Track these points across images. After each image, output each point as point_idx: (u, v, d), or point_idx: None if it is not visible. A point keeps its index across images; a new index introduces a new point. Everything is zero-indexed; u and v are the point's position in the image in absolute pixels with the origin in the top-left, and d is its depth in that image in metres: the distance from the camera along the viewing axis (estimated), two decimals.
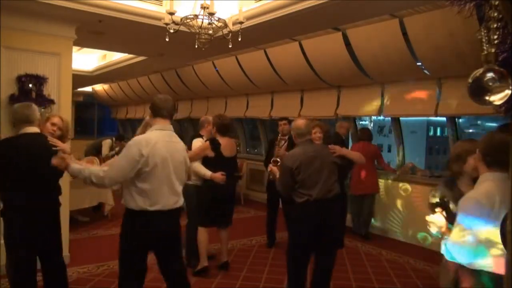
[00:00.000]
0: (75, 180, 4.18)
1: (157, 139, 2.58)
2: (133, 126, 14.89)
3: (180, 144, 2.76)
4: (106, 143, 8.93)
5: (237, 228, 4.68)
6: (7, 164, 2.76)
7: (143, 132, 2.80)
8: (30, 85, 4.65)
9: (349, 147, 6.24)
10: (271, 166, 3.77)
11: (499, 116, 3.53)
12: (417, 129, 28.10)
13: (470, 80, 1.31)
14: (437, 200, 2.27)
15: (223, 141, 4.21)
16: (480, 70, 1.29)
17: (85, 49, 8.38)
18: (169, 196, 2.59)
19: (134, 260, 2.64)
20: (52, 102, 4.80)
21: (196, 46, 4.26)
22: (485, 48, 1.33)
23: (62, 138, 3.14)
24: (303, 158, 3.21)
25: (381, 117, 6.63)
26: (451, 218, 2.07)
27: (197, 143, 4.40)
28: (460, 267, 1.94)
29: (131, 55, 7.88)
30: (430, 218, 2.16)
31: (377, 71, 5.75)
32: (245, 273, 4.37)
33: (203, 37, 4.12)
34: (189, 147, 4.23)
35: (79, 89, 12.87)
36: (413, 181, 5.81)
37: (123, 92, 12.62)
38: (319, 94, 7.13)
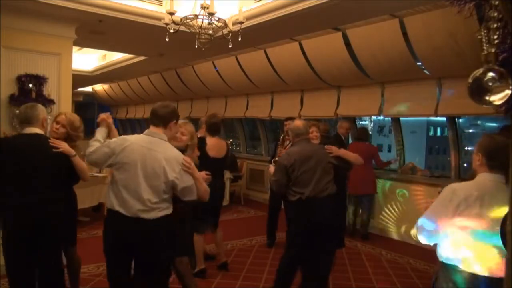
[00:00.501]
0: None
1: (133, 142, 2.52)
2: (133, 126, 14.90)
3: (161, 156, 2.45)
4: None
5: (237, 228, 4.68)
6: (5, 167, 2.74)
7: None
8: (30, 85, 4.66)
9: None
10: (270, 166, 3.77)
11: (499, 116, 3.53)
12: (417, 129, 28.12)
13: (470, 80, 1.31)
14: None
15: (211, 141, 4.17)
16: (480, 70, 1.29)
17: (85, 49, 8.39)
18: (133, 202, 2.42)
19: (110, 262, 2.57)
20: (52, 102, 4.80)
21: (196, 46, 4.26)
22: (485, 48, 1.33)
23: (69, 136, 3.09)
24: (298, 157, 3.25)
25: (381, 117, 6.63)
26: None
27: None
28: (439, 262, 2.03)
29: (131, 55, 7.88)
30: None
31: (377, 71, 5.75)
32: (245, 273, 4.37)
33: (203, 37, 4.12)
34: None
35: (79, 89, 12.88)
36: (413, 181, 5.81)
37: (123, 92, 12.62)
38: (319, 94, 7.13)
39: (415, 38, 4.87)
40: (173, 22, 3.99)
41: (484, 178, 1.98)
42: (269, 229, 5.38)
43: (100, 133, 2.71)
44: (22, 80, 4.61)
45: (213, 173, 3.31)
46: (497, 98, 1.31)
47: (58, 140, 2.92)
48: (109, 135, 2.81)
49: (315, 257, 3.30)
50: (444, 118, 5.80)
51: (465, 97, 1.51)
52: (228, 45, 4.32)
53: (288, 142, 4.87)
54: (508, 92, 1.28)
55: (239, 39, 4.23)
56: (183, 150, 2.81)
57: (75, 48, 6.42)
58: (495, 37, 1.34)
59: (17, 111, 4.50)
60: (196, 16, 3.94)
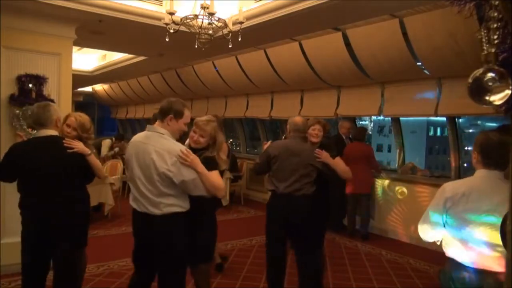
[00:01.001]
0: None
1: (133, 139, 2.63)
2: (133, 126, 14.90)
3: (152, 148, 2.45)
4: (106, 143, 8.93)
5: (237, 228, 4.68)
6: (14, 169, 2.75)
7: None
8: (30, 85, 4.65)
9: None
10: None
11: (499, 116, 3.52)
12: (417, 129, 28.13)
13: (470, 80, 1.31)
14: None
15: None
16: (480, 70, 1.29)
17: (85, 49, 8.39)
18: (138, 198, 2.51)
19: (134, 263, 2.69)
20: (52, 102, 4.80)
21: (196, 46, 4.26)
22: (485, 48, 1.33)
23: (80, 138, 3.07)
24: (284, 151, 3.30)
25: (381, 117, 6.63)
26: None
27: None
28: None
29: (131, 55, 7.88)
30: None
31: (377, 71, 5.75)
32: (245, 273, 4.37)
33: (203, 37, 4.12)
34: None
35: (79, 89, 12.88)
36: (413, 181, 5.81)
37: (123, 92, 12.62)
38: (319, 94, 7.13)
39: (415, 38, 4.87)
40: (173, 22, 3.98)
41: (479, 175, 2.04)
42: None
43: None
44: (22, 80, 4.60)
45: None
46: (497, 98, 1.31)
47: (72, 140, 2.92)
48: None
49: (298, 258, 3.37)
50: (444, 118, 5.80)
51: (465, 97, 1.51)
52: (228, 45, 4.32)
53: None
54: (508, 92, 1.28)
55: (239, 39, 4.23)
56: (204, 150, 2.75)
57: (75, 48, 6.42)
58: (495, 37, 1.34)
59: (17, 111, 4.56)
60: (196, 16, 3.94)
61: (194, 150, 2.65)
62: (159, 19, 4.55)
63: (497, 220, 1.81)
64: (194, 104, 10.68)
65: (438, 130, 31.37)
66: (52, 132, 2.83)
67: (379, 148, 28.82)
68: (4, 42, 4.42)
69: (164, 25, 4.06)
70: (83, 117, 3.21)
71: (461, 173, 5.62)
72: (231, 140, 10.74)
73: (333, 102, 6.82)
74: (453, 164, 5.70)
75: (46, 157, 2.75)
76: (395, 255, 5.10)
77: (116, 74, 9.99)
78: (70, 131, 3.06)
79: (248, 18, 4.56)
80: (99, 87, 13.73)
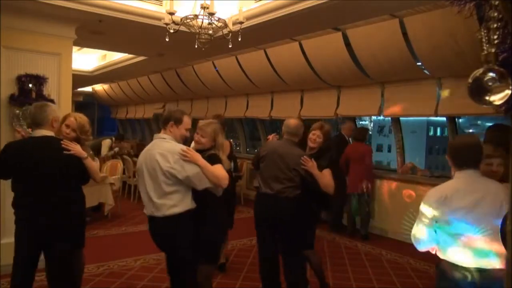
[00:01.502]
0: None
1: (144, 150, 2.80)
2: (133, 126, 14.91)
3: (156, 152, 2.62)
4: (106, 143, 8.93)
5: (237, 228, 4.67)
6: (5, 167, 2.75)
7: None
8: (30, 85, 4.65)
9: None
10: None
11: (499, 116, 3.52)
12: (417, 129, 28.11)
13: (470, 80, 1.31)
14: None
15: None
16: (480, 70, 1.29)
17: (85, 49, 8.39)
18: (147, 203, 2.67)
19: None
20: (52, 102, 4.80)
21: (196, 46, 4.25)
22: (485, 48, 1.33)
23: (79, 140, 3.06)
24: (271, 152, 3.37)
25: (381, 117, 6.63)
26: None
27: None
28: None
29: (131, 55, 7.88)
30: None
31: (377, 71, 5.75)
32: (245, 273, 4.37)
33: (203, 37, 4.12)
34: None
35: (79, 89, 12.88)
36: (413, 181, 5.81)
37: (123, 92, 12.63)
38: (319, 94, 7.13)
39: (415, 38, 4.88)
40: (173, 22, 3.98)
41: (458, 176, 2.15)
42: None
43: None
44: (22, 80, 4.60)
45: None
46: (497, 98, 1.32)
47: (70, 141, 2.90)
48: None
49: (282, 259, 3.41)
50: (444, 118, 5.80)
51: (465, 97, 1.51)
52: (228, 45, 4.32)
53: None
54: (508, 92, 1.28)
55: (239, 39, 4.23)
56: (207, 151, 2.86)
57: (75, 48, 6.42)
58: (495, 37, 1.34)
59: (17, 111, 4.56)
60: (196, 16, 3.94)
61: (199, 152, 2.77)
62: (159, 19, 4.55)
63: (481, 216, 1.95)
64: (194, 104, 10.69)
65: (438, 130, 31.37)
66: (47, 132, 2.81)
67: (379, 148, 28.77)
68: (4, 42, 4.42)
69: (164, 25, 4.06)
70: (83, 118, 3.19)
71: None
72: (231, 140, 10.72)
73: (333, 102, 6.82)
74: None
75: (40, 157, 2.73)
76: (395, 255, 5.10)
77: (116, 74, 10.00)
78: (69, 132, 3.05)
79: (248, 18, 4.56)
80: (99, 87, 13.74)
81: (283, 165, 3.28)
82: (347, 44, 5.66)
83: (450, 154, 2.19)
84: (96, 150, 8.48)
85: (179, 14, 4.20)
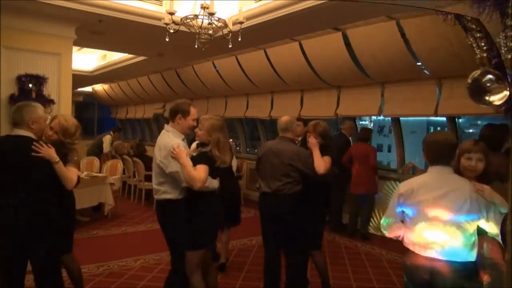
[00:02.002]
0: None
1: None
2: (133, 126, 14.90)
3: (158, 143, 2.90)
4: (107, 140, 8.93)
5: (237, 228, 4.69)
6: None
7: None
8: (30, 85, 4.66)
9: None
10: None
11: (498, 116, 3.53)
12: (417, 129, 28.05)
13: (469, 81, 1.32)
14: None
15: None
16: (478, 71, 1.30)
17: (85, 49, 8.40)
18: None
19: None
20: (52, 102, 4.81)
21: (196, 46, 4.26)
22: (477, 52, 1.35)
23: (62, 143, 2.93)
24: (266, 151, 3.46)
25: (381, 117, 6.63)
26: None
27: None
28: None
29: (131, 55, 7.89)
30: None
31: (377, 71, 5.75)
32: (245, 273, 4.37)
33: (203, 37, 4.12)
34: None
35: (79, 89, 12.89)
36: None
37: (123, 92, 12.63)
38: (319, 94, 7.13)
39: (412, 40, 4.88)
40: (173, 22, 3.99)
41: (429, 171, 2.23)
42: None
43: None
44: (22, 80, 4.62)
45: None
46: (496, 99, 1.33)
47: (49, 143, 2.78)
48: None
49: (284, 257, 3.45)
50: (444, 118, 5.79)
51: (465, 97, 1.52)
52: (228, 45, 4.32)
53: (296, 143, 4.75)
54: (506, 93, 1.29)
55: (239, 39, 4.23)
56: (206, 147, 2.97)
57: (75, 48, 6.42)
58: (483, 44, 1.35)
59: None
60: (196, 16, 3.95)
61: (201, 146, 3.05)
62: (159, 19, 4.56)
63: (442, 210, 2.04)
64: (194, 104, 10.64)
65: (438, 130, 31.36)
66: (24, 132, 2.70)
67: (379, 148, 28.63)
68: (4, 42, 4.43)
69: (164, 25, 4.07)
70: (69, 122, 3.03)
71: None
72: (231, 140, 10.74)
73: (333, 102, 6.82)
74: (453, 164, 5.68)
75: (9, 158, 2.67)
76: (395, 255, 5.10)
77: (116, 74, 10.01)
78: (51, 134, 2.95)
79: (248, 18, 4.56)
80: (99, 87, 13.74)
81: (278, 161, 3.33)
82: (347, 44, 5.66)
83: (423, 149, 2.26)
84: (98, 148, 8.50)
85: (179, 14, 4.21)
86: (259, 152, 3.59)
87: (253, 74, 7.62)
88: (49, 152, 2.69)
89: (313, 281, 3.68)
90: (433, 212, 2.07)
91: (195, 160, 2.81)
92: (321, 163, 3.27)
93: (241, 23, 4.08)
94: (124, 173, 8.03)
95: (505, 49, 1.34)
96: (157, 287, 3.80)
